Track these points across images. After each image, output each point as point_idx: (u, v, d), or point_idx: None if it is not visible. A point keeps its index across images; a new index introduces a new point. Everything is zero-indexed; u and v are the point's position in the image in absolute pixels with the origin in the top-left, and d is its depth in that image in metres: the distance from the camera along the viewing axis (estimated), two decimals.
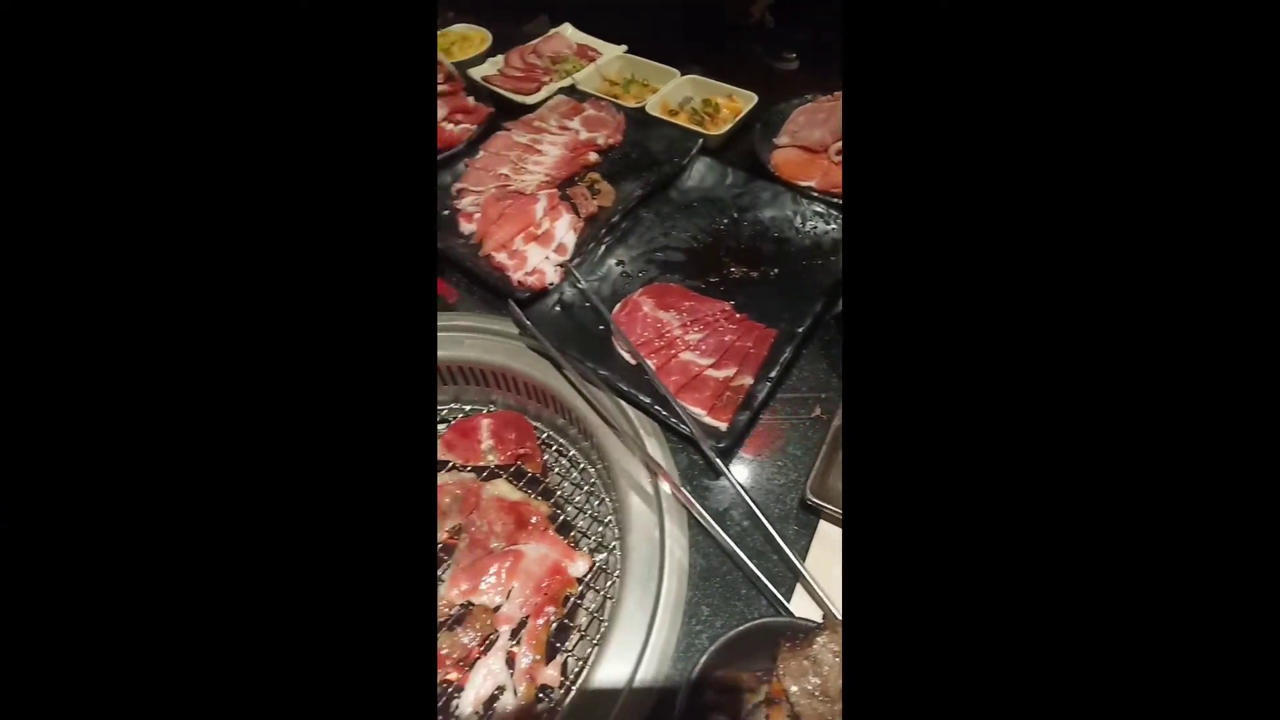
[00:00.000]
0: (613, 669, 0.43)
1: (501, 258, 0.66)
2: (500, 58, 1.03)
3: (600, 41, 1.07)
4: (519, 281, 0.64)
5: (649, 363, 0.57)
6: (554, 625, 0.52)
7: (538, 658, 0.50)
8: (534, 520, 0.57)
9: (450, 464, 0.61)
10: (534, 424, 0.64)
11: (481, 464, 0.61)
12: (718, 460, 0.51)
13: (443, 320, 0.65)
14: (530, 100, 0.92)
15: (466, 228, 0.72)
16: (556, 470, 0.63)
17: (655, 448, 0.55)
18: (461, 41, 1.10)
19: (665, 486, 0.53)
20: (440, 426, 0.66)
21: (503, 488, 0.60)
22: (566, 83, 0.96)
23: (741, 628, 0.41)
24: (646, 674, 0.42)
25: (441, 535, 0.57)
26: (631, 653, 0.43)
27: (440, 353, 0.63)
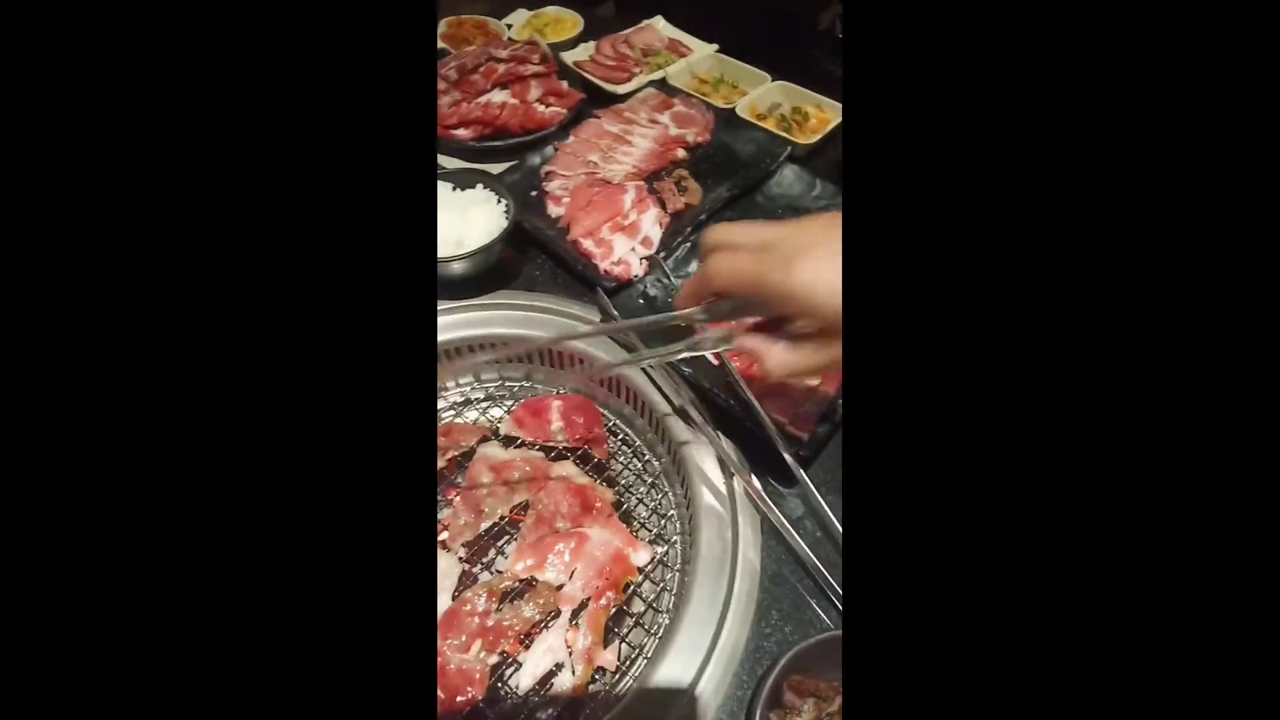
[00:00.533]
0: (678, 662, 0.44)
1: (588, 244, 0.67)
2: (591, 44, 1.04)
3: (692, 38, 1.07)
4: (605, 270, 0.65)
5: (733, 364, 0.57)
6: (612, 610, 0.53)
7: (596, 640, 0.51)
8: (599, 505, 0.58)
9: (520, 440, 0.63)
10: (602, 411, 0.65)
11: (550, 444, 0.62)
12: (800, 470, 0.51)
13: (521, 299, 0.66)
14: (620, 90, 0.93)
15: (554, 210, 0.73)
16: (620, 459, 0.64)
17: (730, 449, 0.55)
18: (555, 24, 1.11)
19: (740, 487, 0.53)
20: (510, 403, 0.67)
21: (570, 469, 0.61)
22: (657, 76, 0.96)
23: (820, 637, 0.41)
24: (715, 671, 0.43)
25: (507, 510, 0.58)
26: (700, 647, 0.44)
27: (518, 330, 0.65)
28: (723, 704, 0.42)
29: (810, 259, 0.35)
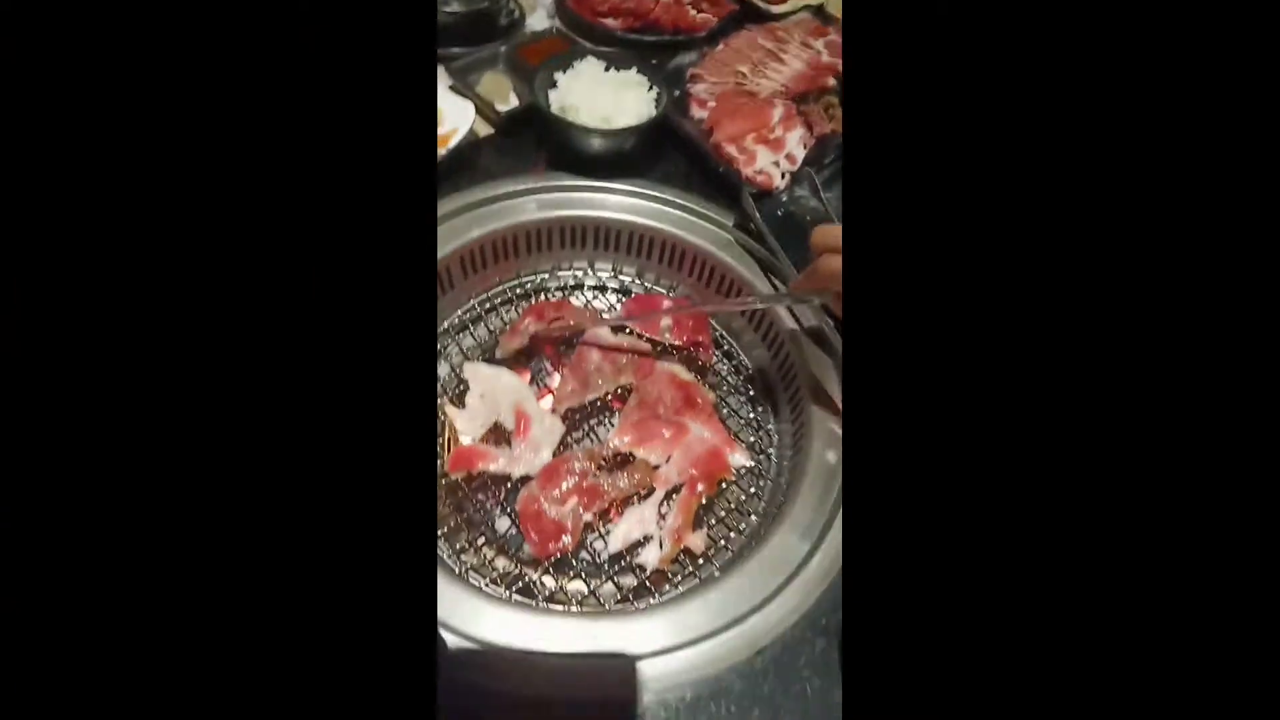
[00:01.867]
0: (767, 565, 0.44)
1: (731, 150, 0.66)
2: None
3: None
4: (747, 176, 0.63)
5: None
6: (703, 501, 0.53)
7: (685, 522, 0.52)
8: (700, 402, 0.58)
9: (629, 329, 0.63)
10: (712, 321, 0.65)
11: (658, 340, 0.63)
12: None
13: (655, 190, 0.65)
14: (776, 10, 0.89)
15: (697, 113, 0.71)
16: (723, 370, 0.64)
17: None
18: None
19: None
20: (620, 296, 0.67)
21: (675, 367, 0.61)
22: (815, 1, 0.92)
23: None
24: (804, 584, 0.43)
25: (605, 393, 0.59)
26: (792, 559, 0.44)
27: (640, 220, 0.64)
28: (806, 616, 0.42)
29: None
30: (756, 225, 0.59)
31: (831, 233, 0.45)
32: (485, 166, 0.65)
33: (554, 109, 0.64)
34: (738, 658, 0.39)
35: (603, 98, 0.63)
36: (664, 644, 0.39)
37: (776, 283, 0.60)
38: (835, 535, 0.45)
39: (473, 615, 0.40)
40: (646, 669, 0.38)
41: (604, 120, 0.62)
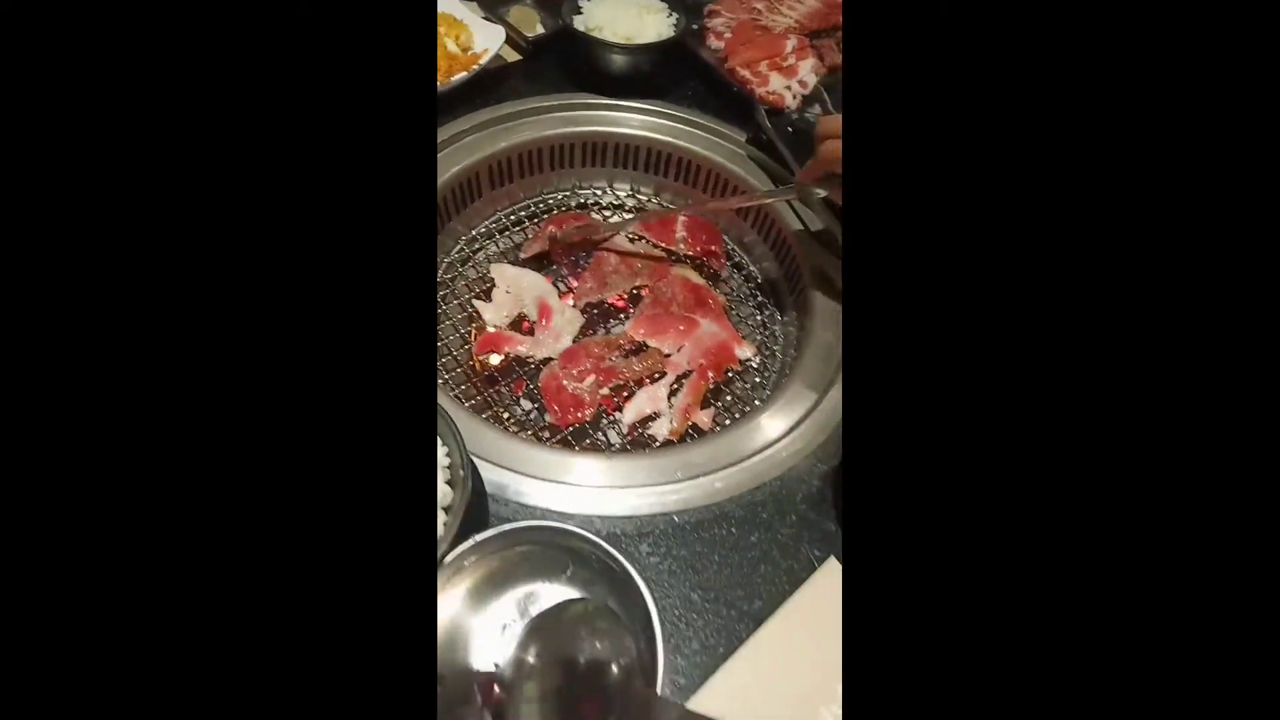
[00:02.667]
0: (771, 426, 0.48)
1: (745, 73, 0.69)
2: None
3: None
4: (760, 95, 0.67)
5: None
6: (710, 386, 0.57)
7: (694, 402, 0.55)
8: (711, 302, 0.62)
9: (645, 239, 0.67)
10: (724, 235, 0.69)
11: (673, 249, 0.66)
12: None
13: (674, 110, 0.69)
14: None
15: (714, 44, 0.75)
16: (734, 279, 0.67)
17: None
18: None
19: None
20: (636, 213, 0.71)
21: (689, 272, 0.65)
22: None
23: None
24: (806, 431, 0.47)
25: (621, 291, 0.63)
26: (793, 415, 0.48)
27: (657, 135, 0.68)
28: (806, 459, 0.46)
29: None
30: (768, 135, 0.62)
31: (833, 121, 0.48)
32: (513, 86, 0.69)
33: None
34: (740, 490, 0.43)
35: (625, 20, 0.67)
36: (676, 478, 0.44)
37: (796, 210, 0.64)
38: (834, 395, 0.49)
39: (501, 449, 0.44)
40: (659, 496, 0.42)
41: (626, 39, 0.66)
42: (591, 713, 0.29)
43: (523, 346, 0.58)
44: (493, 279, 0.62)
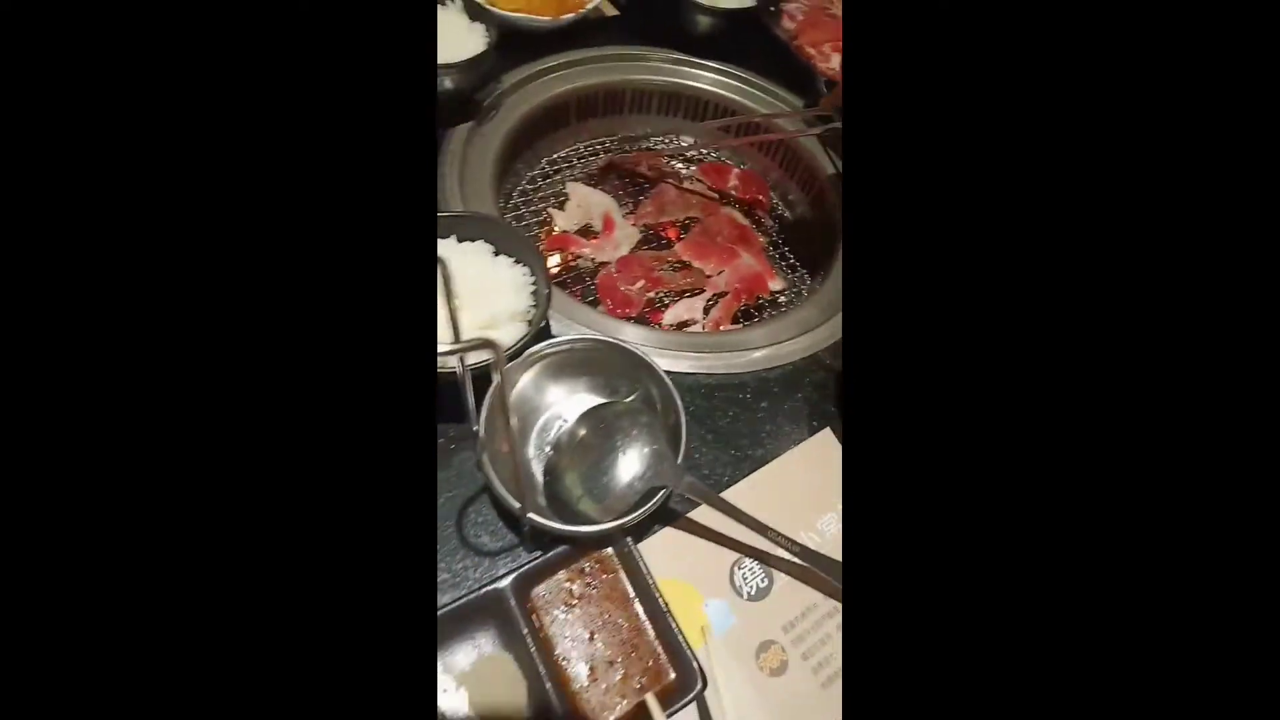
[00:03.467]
0: (783, 328, 0.57)
1: (810, 50, 0.78)
2: None
3: None
4: (822, 70, 0.75)
5: None
6: (741, 307, 0.66)
7: (724, 317, 0.64)
8: (751, 241, 0.71)
9: (702, 181, 0.76)
10: (771, 191, 0.77)
11: (725, 191, 0.75)
12: None
13: (742, 72, 0.78)
14: None
15: (788, 25, 0.83)
16: (773, 228, 0.76)
17: None
18: None
19: None
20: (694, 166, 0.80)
21: (736, 212, 0.74)
22: None
23: None
24: (823, 332, 0.56)
25: (676, 219, 0.72)
26: (802, 327, 0.57)
27: (726, 94, 0.77)
28: (812, 354, 0.54)
29: None
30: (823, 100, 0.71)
31: None
32: (609, 35, 0.79)
33: None
34: (755, 368, 0.52)
35: None
36: (703, 349, 0.53)
37: (834, 155, 0.72)
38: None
39: (566, 307, 0.54)
40: (689, 363, 0.51)
41: (710, 3, 0.75)
42: (624, 469, 0.39)
43: (586, 249, 0.67)
44: (566, 194, 0.72)
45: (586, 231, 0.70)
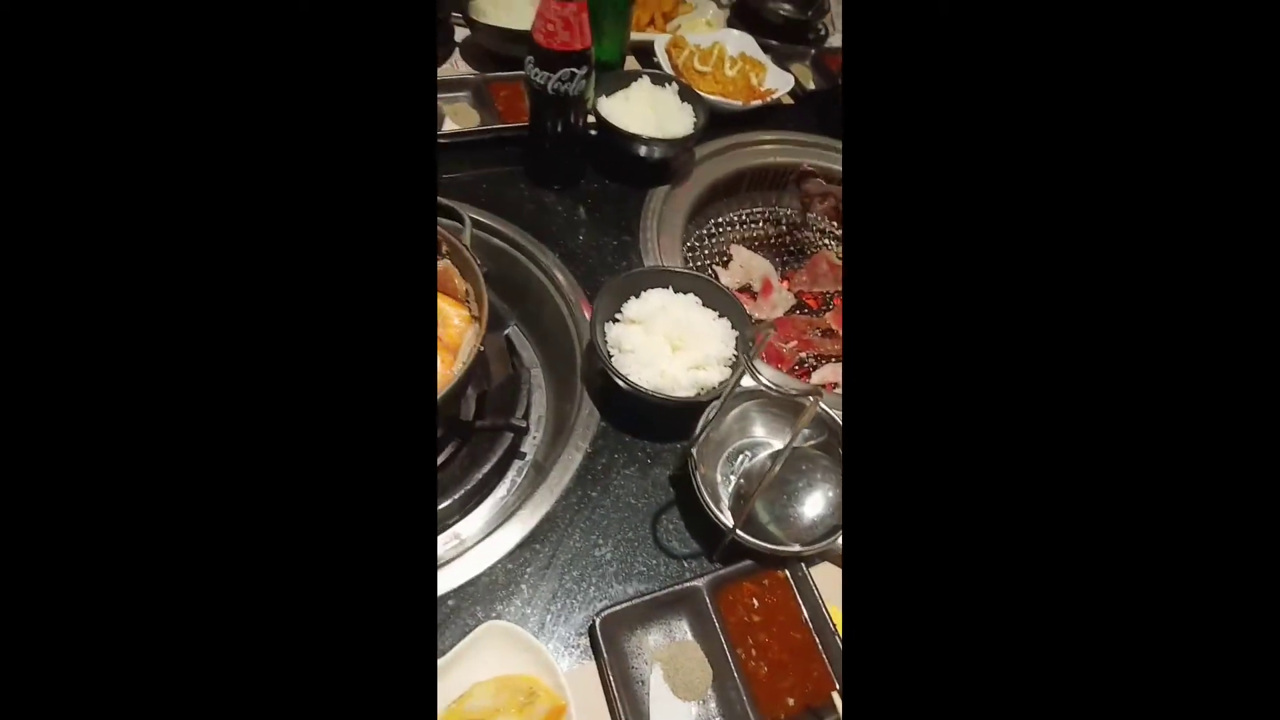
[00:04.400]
0: None
1: None
2: None
3: None
4: None
5: None
6: None
7: None
8: None
9: None
10: None
11: None
12: None
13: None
14: None
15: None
16: None
17: None
18: None
19: None
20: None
21: None
22: None
23: None
24: None
25: (826, 291, 0.80)
26: None
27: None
28: None
29: None
30: None
31: None
32: (784, 120, 0.90)
33: None
34: None
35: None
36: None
37: None
38: None
39: None
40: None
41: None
42: (811, 505, 0.46)
43: (747, 308, 0.76)
44: (730, 254, 0.81)
45: (746, 290, 0.79)
